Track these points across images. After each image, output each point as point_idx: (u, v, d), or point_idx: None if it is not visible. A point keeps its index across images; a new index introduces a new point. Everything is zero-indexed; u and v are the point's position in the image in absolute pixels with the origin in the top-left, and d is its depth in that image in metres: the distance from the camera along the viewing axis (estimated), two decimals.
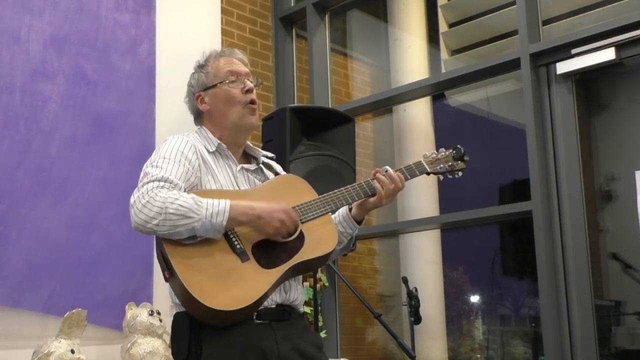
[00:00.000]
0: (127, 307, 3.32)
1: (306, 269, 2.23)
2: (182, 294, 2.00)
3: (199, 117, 2.35)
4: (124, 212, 3.62)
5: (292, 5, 4.94)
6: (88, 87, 3.66)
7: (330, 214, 2.25)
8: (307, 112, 3.77)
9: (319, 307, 4.32)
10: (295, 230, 2.13)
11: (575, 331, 3.50)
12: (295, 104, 4.68)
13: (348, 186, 2.27)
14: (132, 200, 2.03)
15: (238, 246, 2.06)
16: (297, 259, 2.11)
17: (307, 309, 4.20)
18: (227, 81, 2.28)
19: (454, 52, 4.62)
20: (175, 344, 2.13)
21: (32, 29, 3.50)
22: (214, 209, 2.00)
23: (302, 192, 2.26)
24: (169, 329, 3.34)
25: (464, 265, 5.09)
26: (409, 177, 2.33)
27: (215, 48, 4.53)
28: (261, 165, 2.36)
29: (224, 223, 2.01)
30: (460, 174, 2.41)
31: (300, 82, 4.90)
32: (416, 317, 3.35)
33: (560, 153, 3.67)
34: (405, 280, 3.48)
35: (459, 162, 2.39)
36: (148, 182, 2.04)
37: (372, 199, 2.27)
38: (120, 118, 3.76)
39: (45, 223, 3.39)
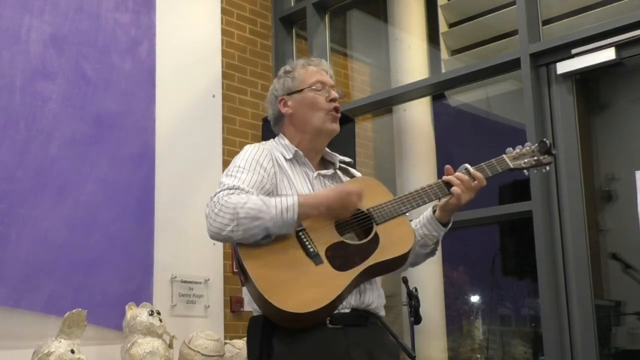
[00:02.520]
0: (127, 307, 3.32)
1: (383, 270, 2.20)
2: (257, 298, 2.03)
3: (279, 121, 2.38)
4: (124, 212, 3.67)
5: (292, 5, 4.94)
6: (88, 87, 3.66)
7: (406, 215, 2.24)
8: None
9: None
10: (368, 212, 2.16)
11: (575, 331, 3.50)
12: None
13: (424, 186, 2.25)
14: (206, 211, 2.08)
15: (311, 249, 2.07)
16: (371, 261, 2.10)
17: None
18: (314, 87, 2.33)
19: (454, 52, 4.62)
20: (249, 345, 2.15)
21: (32, 29, 3.50)
22: (283, 206, 2.04)
23: (378, 194, 2.26)
24: (169, 329, 3.36)
25: (464, 265, 5.08)
26: (489, 173, 2.31)
27: (216, 49, 4.55)
28: (337, 171, 2.37)
29: (295, 217, 2.04)
30: (547, 168, 2.36)
31: None
32: (416, 317, 3.34)
33: (560, 153, 3.67)
34: (405, 280, 3.48)
35: (546, 155, 2.34)
36: (220, 192, 2.08)
37: (452, 199, 2.23)
38: (120, 118, 3.76)
39: (45, 223, 3.39)
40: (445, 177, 2.25)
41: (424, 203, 2.24)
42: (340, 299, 2.05)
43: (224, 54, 4.45)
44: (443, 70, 4.53)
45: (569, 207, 3.60)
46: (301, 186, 2.23)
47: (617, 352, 3.81)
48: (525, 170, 2.36)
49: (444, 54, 4.59)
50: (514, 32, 4.02)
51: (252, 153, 2.22)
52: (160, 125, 3.92)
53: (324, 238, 2.10)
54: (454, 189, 2.22)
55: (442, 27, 4.62)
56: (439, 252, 5.13)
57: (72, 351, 2.94)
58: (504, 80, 4.23)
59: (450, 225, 2.32)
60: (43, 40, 3.53)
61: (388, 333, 2.23)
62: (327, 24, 4.87)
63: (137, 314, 3.29)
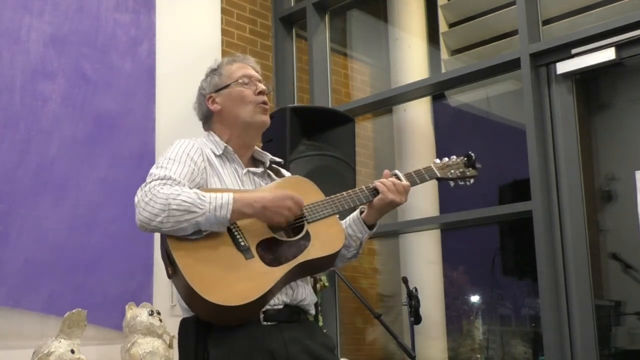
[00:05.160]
0: (127, 307, 3.31)
1: (312, 269, 2.21)
2: (185, 290, 1.99)
3: (208, 120, 2.35)
4: (124, 212, 3.66)
5: (292, 5, 4.94)
6: (88, 87, 3.66)
7: (337, 215, 2.24)
8: (307, 112, 3.77)
9: (319, 307, 4.32)
10: (301, 213, 2.14)
11: (575, 331, 3.50)
12: (295, 104, 4.68)
13: (356, 188, 2.27)
14: (135, 199, 2.04)
15: (242, 243, 2.05)
16: (302, 258, 2.10)
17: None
18: (240, 81, 2.30)
19: (454, 52, 4.62)
20: (182, 350, 2.12)
21: (32, 29, 3.50)
22: (217, 202, 2.00)
23: (309, 192, 2.25)
24: (169, 329, 3.36)
25: (464, 265, 5.08)
26: (418, 181, 2.32)
27: (216, 49, 4.55)
28: (268, 170, 2.35)
29: (228, 216, 2.01)
30: (471, 181, 2.41)
31: (300, 82, 4.90)
32: (416, 317, 3.35)
33: (560, 153, 3.67)
34: (405, 280, 3.48)
35: (470, 169, 2.40)
36: (150, 182, 2.06)
37: (376, 199, 2.24)
38: (120, 118, 3.76)
39: (45, 223, 3.39)
40: (374, 182, 2.28)
41: (355, 205, 2.26)
42: (270, 294, 2.04)
43: (224, 54, 4.45)
44: (443, 70, 4.53)
45: (569, 207, 3.60)
46: (231, 183, 2.21)
47: (617, 352, 3.82)
48: (451, 182, 2.39)
49: (444, 54, 4.59)
50: (514, 32, 4.02)
51: (183, 147, 2.19)
52: (160, 125, 3.92)
53: (255, 233, 2.09)
54: (379, 185, 2.24)
55: (442, 27, 4.62)
56: (439, 252, 5.15)
57: (72, 351, 2.94)
58: (504, 80, 4.23)
59: (375, 229, 2.33)
60: (43, 40, 3.53)
61: (320, 328, 2.24)
62: (327, 24, 4.87)
63: (137, 314, 3.29)
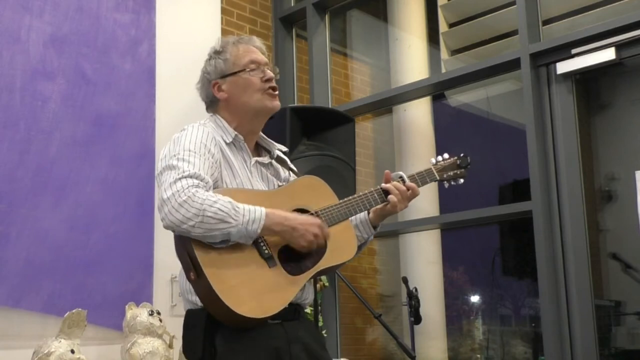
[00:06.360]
0: (127, 307, 3.32)
1: (323, 273, 2.27)
2: (209, 297, 1.97)
3: (214, 104, 2.30)
4: (124, 212, 3.67)
5: (292, 5, 4.94)
6: (88, 87, 3.66)
7: (349, 219, 2.27)
8: (307, 112, 3.77)
9: (319, 307, 4.32)
10: (325, 245, 2.13)
11: (575, 331, 3.50)
12: (295, 104, 4.68)
13: (366, 191, 2.28)
14: (165, 195, 1.96)
15: (266, 251, 2.05)
16: (321, 266, 2.13)
17: (308, 309, 4.20)
18: (248, 69, 2.25)
19: (454, 52, 4.62)
20: (189, 343, 2.11)
21: (32, 29, 3.50)
22: (251, 216, 1.99)
23: (324, 196, 2.25)
24: (169, 329, 3.36)
25: (464, 265, 5.09)
26: (420, 184, 2.38)
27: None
28: (272, 160, 2.34)
29: (259, 231, 2.00)
30: (461, 181, 2.48)
31: (300, 82, 4.90)
32: (416, 317, 3.35)
33: (560, 153, 3.67)
34: (405, 280, 3.48)
35: (462, 170, 2.46)
36: (181, 178, 1.97)
37: (388, 206, 2.30)
38: (120, 118, 3.76)
39: (45, 223, 3.39)
40: (383, 185, 2.31)
41: (366, 209, 2.29)
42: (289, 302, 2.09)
43: None
44: (443, 70, 4.53)
45: (569, 207, 3.60)
46: (241, 174, 2.18)
47: (617, 352, 3.82)
48: (445, 182, 2.46)
49: (444, 54, 4.59)
50: (514, 32, 4.02)
51: (198, 136, 2.12)
52: (160, 125, 3.92)
53: (276, 240, 2.09)
54: (391, 197, 2.29)
55: (442, 27, 4.62)
56: (439, 252, 5.15)
57: (72, 351, 2.94)
58: (504, 80, 4.23)
59: (378, 229, 2.39)
60: (43, 40, 3.53)
61: (314, 325, 2.26)
62: (327, 24, 4.87)
63: (137, 314, 3.29)
